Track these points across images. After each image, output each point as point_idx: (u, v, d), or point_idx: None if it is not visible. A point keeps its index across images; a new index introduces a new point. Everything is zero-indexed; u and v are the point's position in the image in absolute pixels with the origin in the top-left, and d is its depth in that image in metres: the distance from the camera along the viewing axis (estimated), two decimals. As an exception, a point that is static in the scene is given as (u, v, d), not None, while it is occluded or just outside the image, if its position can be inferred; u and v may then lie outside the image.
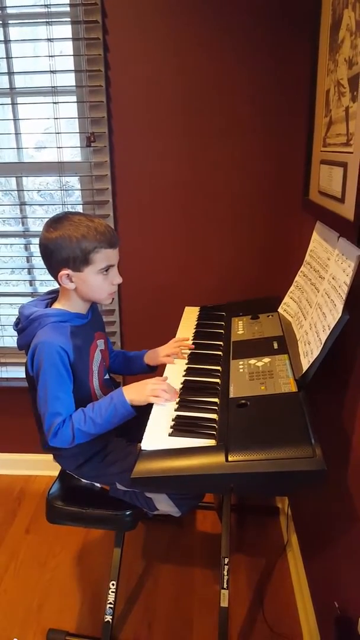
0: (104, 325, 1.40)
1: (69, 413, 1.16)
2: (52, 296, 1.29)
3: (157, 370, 1.43)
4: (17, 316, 1.26)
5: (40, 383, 1.15)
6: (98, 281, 1.19)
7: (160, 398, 1.15)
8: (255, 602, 1.52)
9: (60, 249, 1.14)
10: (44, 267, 1.20)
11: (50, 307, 1.25)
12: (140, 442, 1.02)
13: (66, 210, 1.50)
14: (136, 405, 1.16)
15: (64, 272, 1.16)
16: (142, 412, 1.16)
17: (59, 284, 1.21)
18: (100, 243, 1.15)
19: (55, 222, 1.15)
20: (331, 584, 1.21)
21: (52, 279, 1.21)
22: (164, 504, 1.27)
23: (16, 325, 1.25)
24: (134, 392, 1.17)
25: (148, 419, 1.10)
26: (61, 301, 1.25)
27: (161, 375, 1.27)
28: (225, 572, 1.34)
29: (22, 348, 1.24)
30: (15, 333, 1.25)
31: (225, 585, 1.33)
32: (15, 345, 1.27)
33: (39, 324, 1.17)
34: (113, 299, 1.82)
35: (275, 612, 1.48)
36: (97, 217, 1.20)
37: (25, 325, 1.20)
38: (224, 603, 1.31)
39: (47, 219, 1.18)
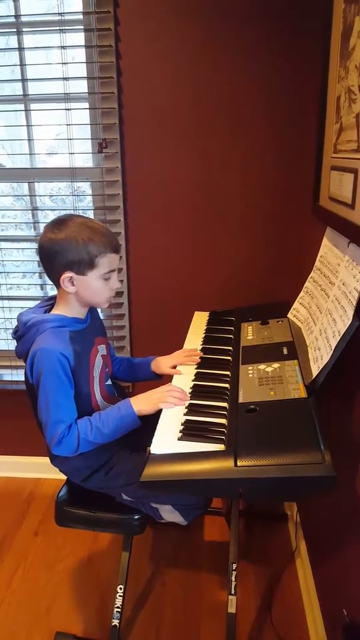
0: (104, 330, 1.39)
1: (72, 420, 1.14)
2: (51, 302, 1.27)
3: (163, 378, 1.40)
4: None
5: (41, 391, 1.13)
6: (99, 286, 1.18)
7: (169, 404, 1.15)
8: (263, 609, 1.51)
9: (65, 251, 1.12)
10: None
11: (48, 313, 1.23)
12: (148, 446, 1.02)
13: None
14: (143, 415, 1.16)
15: (67, 274, 1.15)
16: (146, 422, 1.15)
17: (58, 287, 1.20)
18: (106, 248, 1.15)
19: (59, 224, 1.14)
20: (340, 591, 1.20)
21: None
22: (169, 514, 1.26)
23: (15, 332, 1.23)
24: (142, 403, 1.16)
25: (152, 427, 1.09)
26: (59, 306, 1.23)
27: (169, 382, 1.26)
28: (233, 578, 1.33)
29: (21, 356, 1.21)
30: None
31: (232, 591, 1.32)
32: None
33: (37, 331, 1.15)
34: (123, 303, 1.83)
35: (283, 619, 1.47)
36: (98, 221, 1.20)
37: (23, 332, 1.18)
38: (232, 609, 1.31)
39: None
